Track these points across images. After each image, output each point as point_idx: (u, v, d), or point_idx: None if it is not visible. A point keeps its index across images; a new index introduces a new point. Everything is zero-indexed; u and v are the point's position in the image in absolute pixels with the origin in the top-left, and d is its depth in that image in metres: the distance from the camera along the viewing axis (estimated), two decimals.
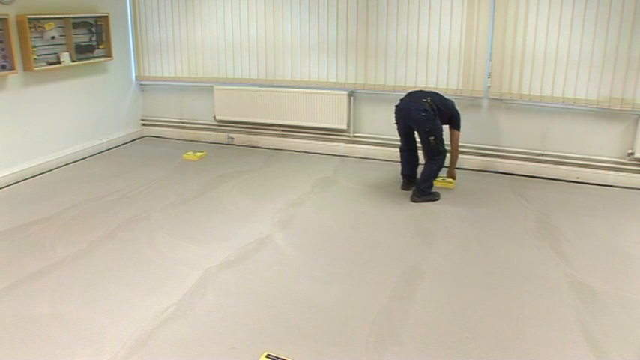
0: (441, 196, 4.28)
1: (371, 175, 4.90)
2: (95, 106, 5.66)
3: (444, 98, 4.30)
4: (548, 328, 2.58)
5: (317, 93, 5.37)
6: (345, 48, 5.21)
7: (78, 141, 5.47)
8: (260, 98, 5.65)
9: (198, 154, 5.50)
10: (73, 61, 5.15)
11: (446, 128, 4.31)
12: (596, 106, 4.49)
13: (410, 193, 4.32)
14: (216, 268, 3.15)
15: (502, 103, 4.84)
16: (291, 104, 5.52)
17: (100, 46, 5.50)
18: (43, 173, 4.97)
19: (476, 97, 4.88)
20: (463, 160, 4.99)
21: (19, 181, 4.73)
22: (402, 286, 2.96)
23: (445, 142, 4.26)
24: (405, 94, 4.34)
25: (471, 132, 4.93)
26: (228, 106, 5.82)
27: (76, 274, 3.09)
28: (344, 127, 5.37)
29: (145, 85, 6.29)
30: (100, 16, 5.43)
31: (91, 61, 5.40)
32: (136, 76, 6.22)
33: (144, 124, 6.41)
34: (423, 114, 4.06)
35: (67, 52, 5.09)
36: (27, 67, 4.68)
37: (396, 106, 4.29)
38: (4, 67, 4.47)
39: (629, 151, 4.50)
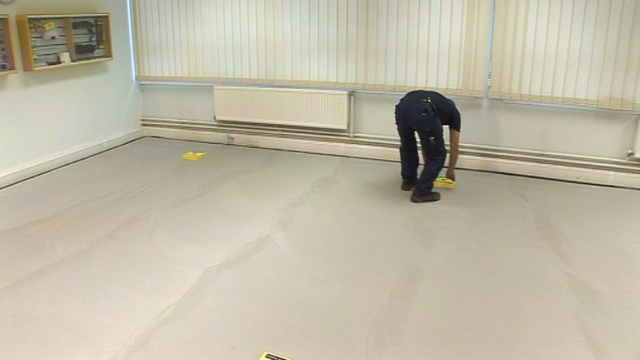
0: (441, 196, 4.28)
1: (371, 175, 4.90)
2: (95, 106, 5.66)
3: (444, 98, 4.30)
4: (548, 328, 2.58)
5: (317, 93, 5.37)
6: (345, 48, 5.21)
7: (78, 141, 5.47)
8: (260, 98, 5.65)
9: (198, 154, 5.50)
10: (73, 61, 5.15)
11: (446, 128, 4.31)
12: (596, 106, 4.49)
13: (410, 193, 4.32)
14: (216, 268, 3.15)
15: (502, 103, 4.84)
16: (291, 104, 5.52)
17: (100, 46, 5.50)
18: (43, 173, 4.97)
19: (476, 97, 4.88)
20: (463, 160, 4.99)
21: (19, 181, 4.73)
22: (402, 286, 2.96)
23: (445, 142, 4.26)
24: (405, 94, 4.34)
25: (471, 132, 4.93)
26: (228, 106, 5.82)
27: (76, 274, 3.09)
28: (344, 127, 5.37)
29: (145, 85, 6.29)
30: (100, 16, 5.43)
31: (91, 61, 5.40)
32: (136, 76, 6.22)
33: (144, 124, 6.41)
34: (423, 114, 4.06)
35: (67, 52, 5.09)
36: (27, 67, 4.68)
37: (396, 106, 4.29)
38: (4, 67, 4.47)
39: (629, 151, 4.50)
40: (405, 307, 2.76)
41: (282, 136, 5.78)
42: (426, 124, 4.09)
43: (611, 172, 4.59)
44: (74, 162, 5.34)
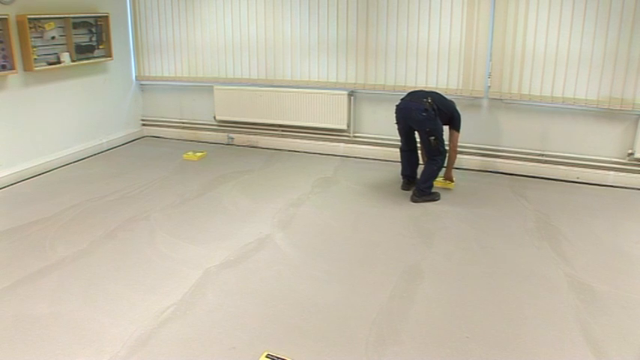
0: (441, 196, 4.28)
1: (371, 175, 4.90)
2: (95, 106, 5.66)
3: (445, 99, 4.30)
4: (548, 328, 2.58)
5: (317, 93, 5.37)
6: (345, 48, 5.21)
7: (78, 141, 5.47)
8: (260, 98, 5.65)
9: (198, 154, 5.50)
10: (73, 61, 5.15)
11: (445, 129, 4.30)
12: (596, 106, 4.49)
13: (410, 193, 4.32)
14: (216, 268, 3.15)
15: (502, 103, 4.84)
16: (291, 104, 5.52)
17: (100, 46, 5.50)
18: (43, 173, 4.97)
19: (476, 97, 4.88)
20: (463, 160, 4.99)
21: (19, 181, 4.73)
22: (402, 286, 2.96)
23: (445, 142, 4.26)
24: (405, 94, 4.34)
25: (471, 132, 4.93)
26: (228, 106, 5.82)
27: (76, 274, 3.09)
28: (344, 127, 5.37)
29: (145, 85, 6.29)
30: (100, 16, 5.43)
31: (91, 61, 5.40)
32: (136, 76, 6.22)
33: (144, 124, 6.41)
34: (424, 114, 4.06)
35: (67, 52, 5.09)
36: (27, 67, 4.68)
37: (397, 105, 4.29)
38: (4, 67, 4.47)
39: (629, 151, 4.50)
40: (405, 307, 2.76)
41: (282, 136, 5.78)
42: (426, 123, 4.09)
43: (611, 172, 4.59)
44: (74, 162, 5.34)
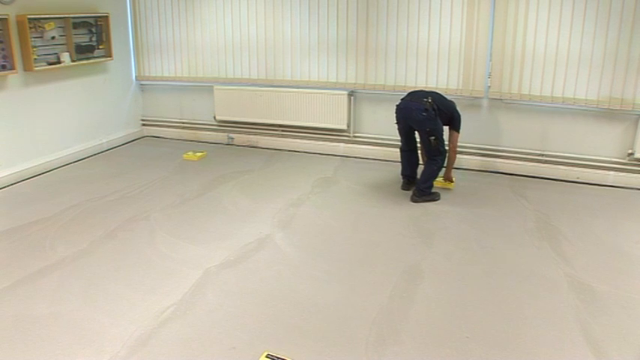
0: (441, 196, 4.28)
1: (371, 175, 4.90)
2: (95, 106, 5.66)
3: (445, 99, 4.30)
4: (548, 328, 2.58)
5: (317, 93, 5.37)
6: (345, 48, 5.21)
7: (78, 141, 5.47)
8: (260, 98, 5.65)
9: (198, 154, 5.50)
10: (73, 61, 5.15)
11: (445, 129, 4.30)
12: (596, 106, 4.49)
13: (410, 193, 4.32)
14: (216, 268, 3.15)
15: (502, 103, 4.84)
16: (291, 104, 5.52)
17: (100, 46, 5.50)
18: (43, 173, 4.97)
19: (476, 97, 4.88)
20: (463, 160, 4.99)
21: (19, 181, 4.73)
22: (402, 286, 2.96)
23: (445, 142, 4.26)
24: (405, 94, 4.34)
25: (471, 132, 4.93)
26: (228, 106, 5.82)
27: (76, 274, 3.09)
28: (344, 127, 5.37)
29: (145, 85, 6.29)
30: (100, 16, 5.43)
31: (91, 61, 5.40)
32: (136, 76, 6.22)
33: (144, 124, 6.41)
34: (424, 114, 4.06)
35: (67, 52, 5.09)
36: (27, 67, 4.68)
37: (397, 105, 4.29)
38: (4, 67, 4.47)
39: (629, 151, 4.50)
40: (405, 307, 2.76)
41: (282, 136, 5.78)
42: (426, 123, 4.09)
43: (611, 172, 4.59)
44: (74, 162, 5.34)
